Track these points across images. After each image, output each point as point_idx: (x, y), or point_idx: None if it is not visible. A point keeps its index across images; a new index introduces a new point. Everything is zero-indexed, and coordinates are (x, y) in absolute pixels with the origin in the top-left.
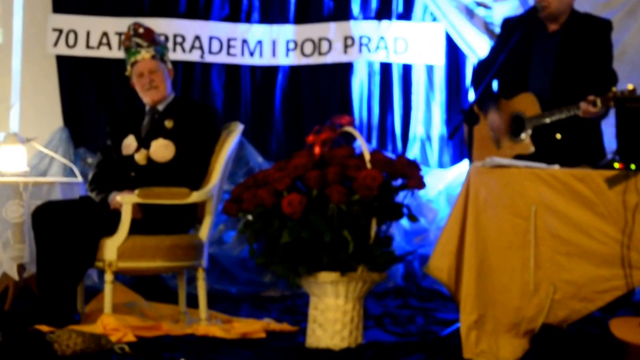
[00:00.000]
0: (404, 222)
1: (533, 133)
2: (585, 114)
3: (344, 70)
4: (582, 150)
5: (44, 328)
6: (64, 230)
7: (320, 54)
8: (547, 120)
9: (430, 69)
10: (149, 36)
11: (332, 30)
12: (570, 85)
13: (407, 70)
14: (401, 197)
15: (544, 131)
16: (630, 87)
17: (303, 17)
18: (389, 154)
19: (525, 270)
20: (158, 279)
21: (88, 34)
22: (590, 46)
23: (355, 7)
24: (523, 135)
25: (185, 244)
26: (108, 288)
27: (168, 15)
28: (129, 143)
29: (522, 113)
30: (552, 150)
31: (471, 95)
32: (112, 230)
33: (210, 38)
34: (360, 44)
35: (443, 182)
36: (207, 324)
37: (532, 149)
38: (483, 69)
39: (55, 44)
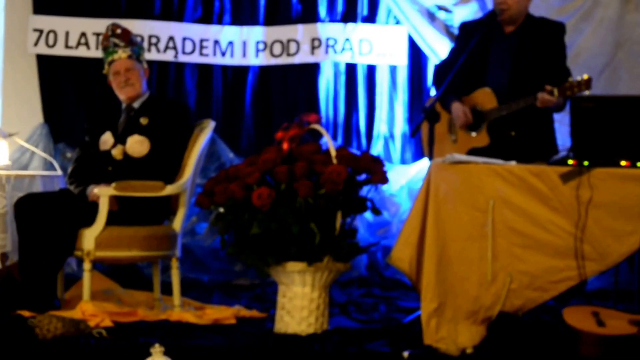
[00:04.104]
0: (368, 215)
1: (489, 128)
2: (543, 103)
3: (311, 71)
4: (536, 146)
5: (26, 313)
6: (44, 220)
7: (288, 54)
8: (505, 112)
9: (393, 70)
10: (126, 37)
11: (300, 32)
12: (527, 81)
13: (371, 70)
14: (365, 191)
15: (499, 127)
16: (585, 76)
17: (272, 19)
18: (354, 151)
19: (483, 261)
20: (134, 267)
21: (67, 34)
22: (544, 45)
23: (322, 10)
24: (479, 128)
25: (160, 234)
26: (86, 276)
27: (143, 16)
28: (106, 139)
29: (480, 107)
30: (507, 146)
31: (433, 95)
32: (90, 221)
33: (184, 39)
34: (327, 46)
35: (405, 177)
36: (180, 310)
37: (487, 141)
38: (443, 70)
39: (36, 43)
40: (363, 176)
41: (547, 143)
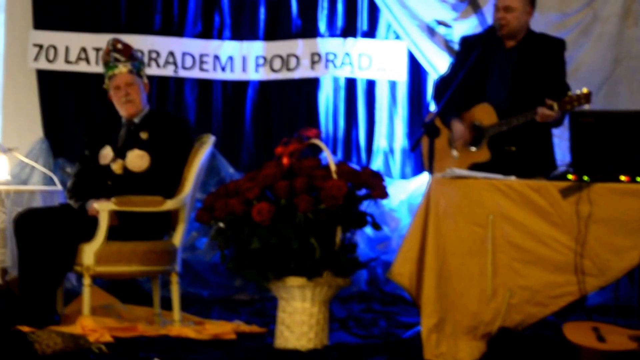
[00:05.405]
0: (368, 230)
1: (489, 143)
2: (543, 118)
3: (311, 85)
4: (536, 161)
5: (26, 329)
6: (44, 235)
7: (288, 69)
8: (505, 128)
9: (393, 85)
10: (127, 52)
11: (299, 47)
12: (526, 97)
13: (371, 85)
14: (365, 206)
15: (499, 142)
16: (585, 90)
17: (272, 34)
18: (354, 166)
19: (483, 276)
20: (134, 282)
21: (67, 49)
22: (544, 61)
23: (322, 25)
24: (480, 144)
25: (160, 249)
26: (86, 291)
27: (143, 32)
28: (106, 153)
29: (480, 122)
30: (507, 161)
31: (432, 109)
32: (90, 236)
33: (184, 54)
34: (327, 60)
35: (405, 192)
36: (180, 325)
37: (488, 156)
38: (443, 84)
39: (36, 58)
40: (363, 191)
41: (546, 158)
